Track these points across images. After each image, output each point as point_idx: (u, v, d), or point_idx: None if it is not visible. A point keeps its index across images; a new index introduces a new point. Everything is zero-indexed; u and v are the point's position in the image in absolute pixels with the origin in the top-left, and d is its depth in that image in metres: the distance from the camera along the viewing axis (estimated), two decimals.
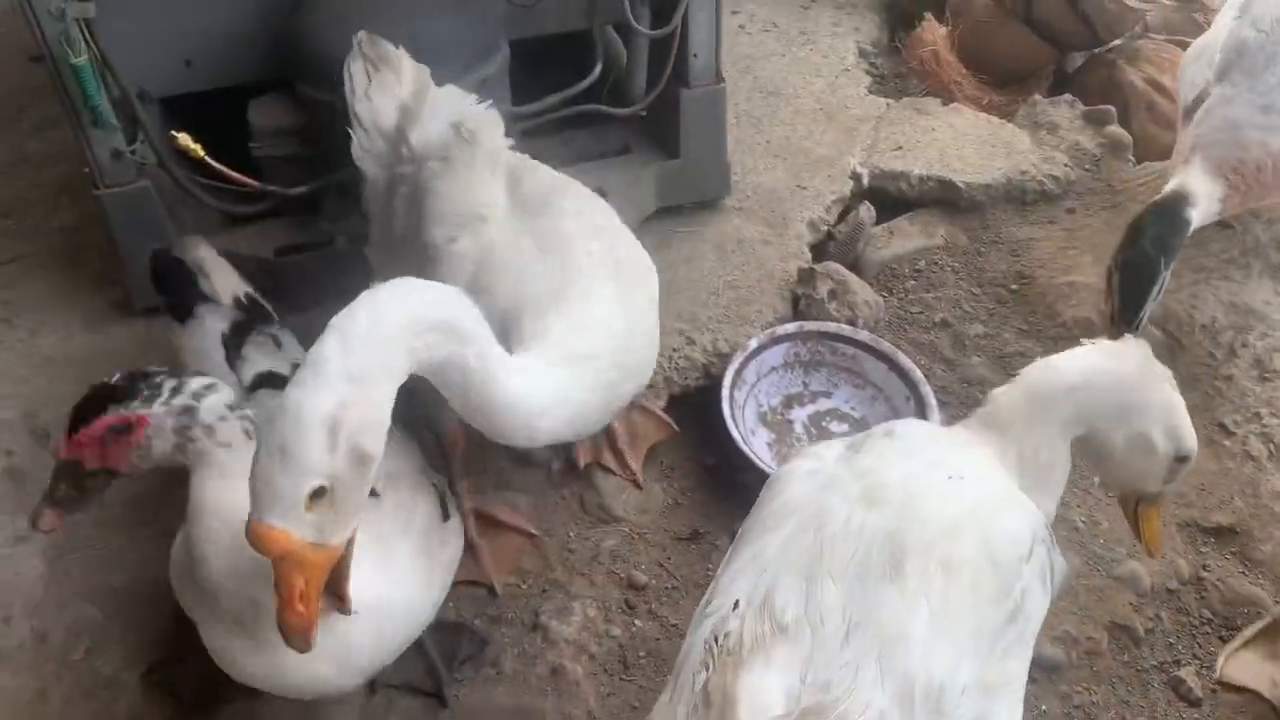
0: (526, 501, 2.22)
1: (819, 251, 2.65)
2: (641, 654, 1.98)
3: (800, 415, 2.32)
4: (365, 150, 1.85)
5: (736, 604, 1.27)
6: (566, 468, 2.23)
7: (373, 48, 1.88)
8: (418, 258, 1.73)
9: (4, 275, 2.60)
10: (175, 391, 1.42)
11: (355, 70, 1.87)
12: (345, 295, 1.31)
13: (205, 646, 1.54)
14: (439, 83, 2.05)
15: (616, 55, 2.76)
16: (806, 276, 2.43)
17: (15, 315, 2.48)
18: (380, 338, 1.26)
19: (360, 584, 1.44)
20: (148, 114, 2.23)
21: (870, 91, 3.15)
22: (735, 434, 2.15)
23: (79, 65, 2.05)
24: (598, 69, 2.48)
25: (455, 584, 2.01)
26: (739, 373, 2.25)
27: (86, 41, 2.05)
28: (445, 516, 1.76)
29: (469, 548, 2.10)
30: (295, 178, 2.34)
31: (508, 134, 1.82)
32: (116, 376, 1.44)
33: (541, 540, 2.15)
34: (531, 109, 2.42)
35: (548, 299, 1.62)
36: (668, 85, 2.47)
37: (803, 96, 3.10)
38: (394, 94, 1.83)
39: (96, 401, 1.42)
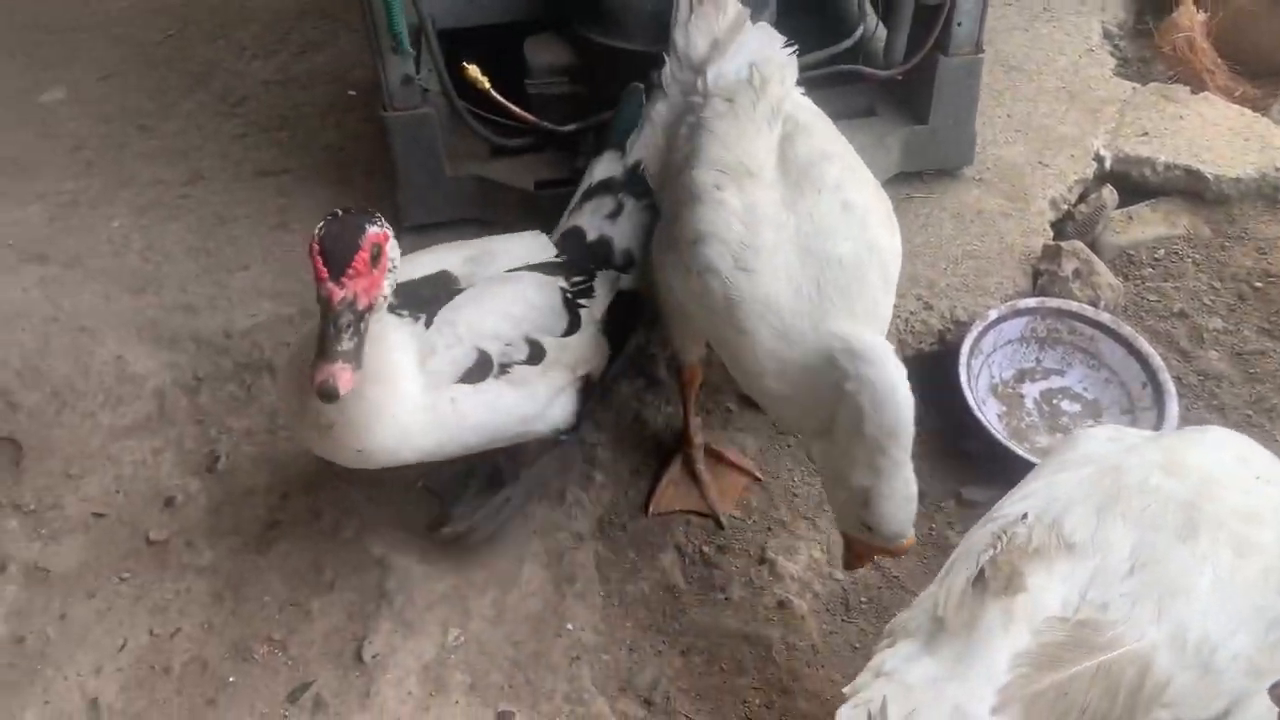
0: (753, 444, 2.31)
1: (1057, 231, 2.64)
2: (863, 599, 2.06)
3: (1032, 391, 2.34)
4: (672, 77, 1.96)
5: (1025, 516, 1.34)
6: None
7: None
8: (684, 192, 1.82)
9: (280, 184, 2.82)
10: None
11: (680, 3, 1.98)
12: None
13: None
14: None
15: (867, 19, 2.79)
16: (1051, 253, 2.43)
17: (292, 220, 2.69)
18: None
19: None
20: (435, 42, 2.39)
21: (1115, 74, 3.09)
22: (970, 400, 2.18)
23: None
24: (860, 29, 2.52)
25: (680, 511, 2.16)
26: (977, 342, 2.28)
27: None
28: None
29: (696, 479, 2.22)
30: (563, 115, 2.46)
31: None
32: (334, 215, 1.51)
33: (766, 483, 2.24)
34: (814, 58, 2.47)
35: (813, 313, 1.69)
36: (927, 51, 2.50)
37: (1045, 74, 3.06)
38: (711, 27, 1.93)
39: (352, 226, 1.47)
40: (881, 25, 2.60)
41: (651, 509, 2.17)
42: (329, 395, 1.46)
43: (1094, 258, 2.42)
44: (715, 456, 2.26)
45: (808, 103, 1.96)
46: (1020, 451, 2.13)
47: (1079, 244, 2.44)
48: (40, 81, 3.28)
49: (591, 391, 1.93)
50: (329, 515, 2.12)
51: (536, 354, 1.82)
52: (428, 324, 1.73)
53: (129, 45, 3.46)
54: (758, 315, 1.69)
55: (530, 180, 2.51)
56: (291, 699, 1.86)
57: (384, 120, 2.43)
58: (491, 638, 1.95)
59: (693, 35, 1.95)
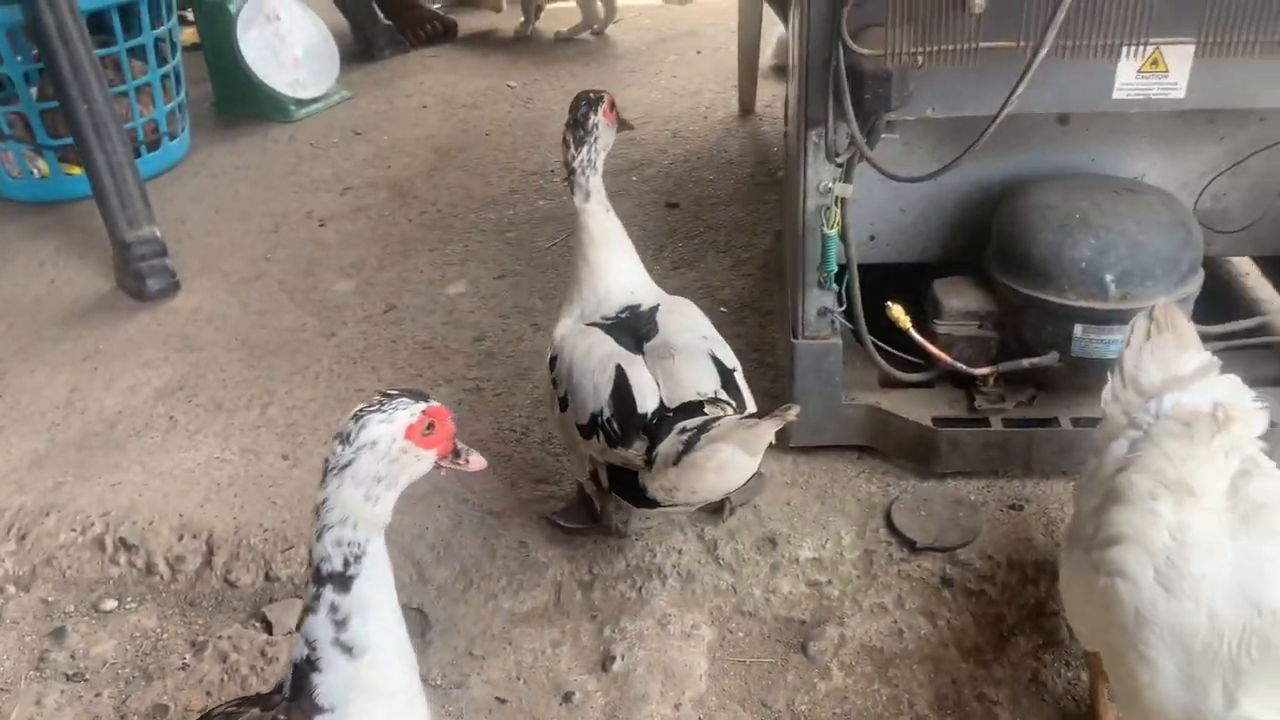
0: None
1: None
2: None
3: None
4: (1114, 396, 1.91)
5: None
6: None
7: (1166, 313, 1.94)
8: (1108, 489, 1.75)
9: None
10: None
11: (1137, 326, 1.95)
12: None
13: None
14: (1149, 295, 2.14)
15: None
16: None
17: None
18: None
19: None
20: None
21: None
22: None
23: (828, 235, 2.34)
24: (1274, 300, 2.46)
25: None
26: None
27: (838, 217, 2.34)
28: None
29: None
30: (968, 356, 2.49)
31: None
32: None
33: None
34: (1220, 330, 2.43)
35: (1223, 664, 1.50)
36: None
37: None
38: (1167, 363, 1.87)
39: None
40: None
41: None
42: None
43: None
44: None
45: (1270, 463, 1.78)
46: None
47: None
48: (447, 275, 3.65)
49: None
50: None
51: None
52: None
53: (520, 248, 3.81)
54: (1166, 645, 1.54)
55: (927, 415, 2.53)
56: None
57: (793, 347, 2.54)
58: None
59: (1145, 362, 1.89)
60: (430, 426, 1.49)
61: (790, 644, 2.27)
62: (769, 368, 3.01)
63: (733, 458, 1.97)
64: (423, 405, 1.48)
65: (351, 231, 4.03)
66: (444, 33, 6.14)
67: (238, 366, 3.22)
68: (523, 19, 6.19)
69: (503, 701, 2.20)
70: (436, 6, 6.54)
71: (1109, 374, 1.97)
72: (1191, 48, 2.08)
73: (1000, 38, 2.03)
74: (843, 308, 2.45)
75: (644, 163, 4.48)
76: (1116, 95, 2.16)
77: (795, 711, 2.14)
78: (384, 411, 1.46)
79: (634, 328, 2.28)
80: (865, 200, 2.53)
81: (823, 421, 2.61)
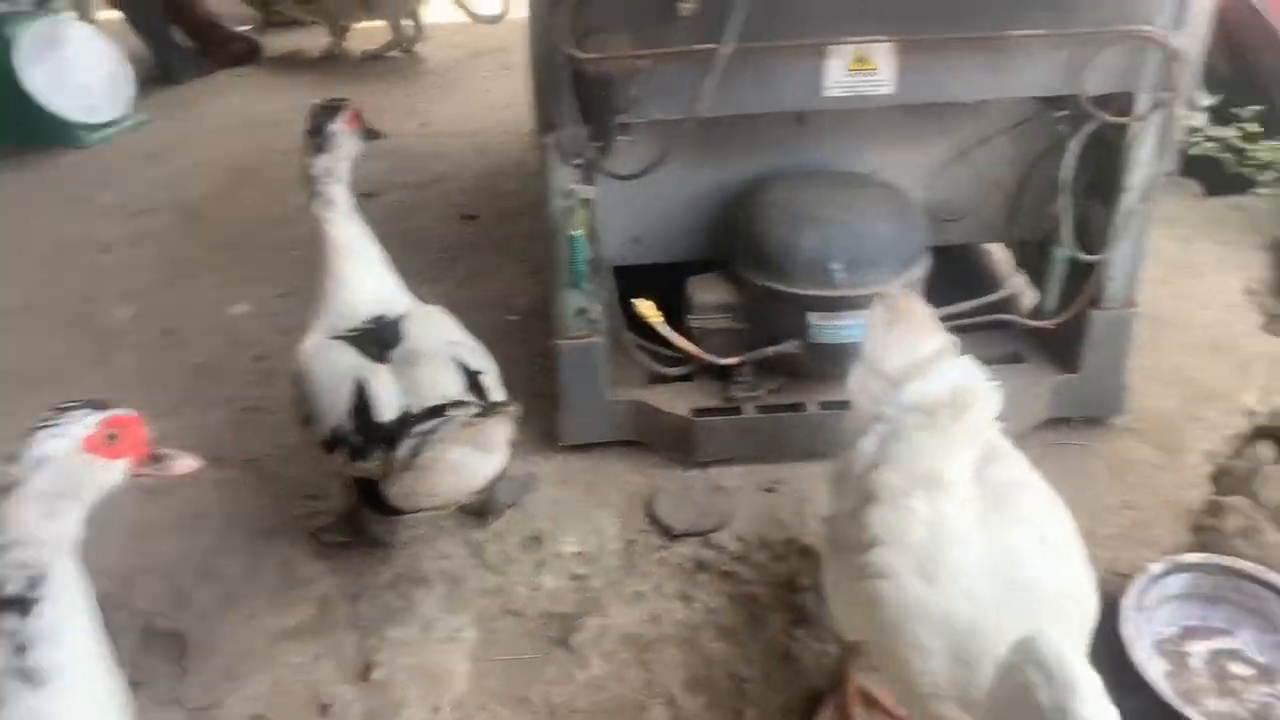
0: None
1: (1214, 485, 2.60)
2: None
3: (1199, 650, 2.25)
4: (861, 386, 1.93)
5: None
6: None
7: (901, 301, 2.00)
8: (862, 490, 1.77)
9: None
10: None
11: (875, 313, 1.99)
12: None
13: None
14: (874, 281, 2.25)
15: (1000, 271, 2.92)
16: (1214, 509, 2.39)
17: None
18: None
19: None
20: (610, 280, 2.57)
21: (1262, 330, 3.11)
22: (1136, 658, 2.11)
23: (575, 236, 2.40)
24: (1012, 283, 2.63)
25: None
26: (1140, 597, 2.22)
27: (585, 218, 2.40)
28: None
29: None
30: (721, 348, 2.59)
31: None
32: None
33: None
34: (946, 311, 2.58)
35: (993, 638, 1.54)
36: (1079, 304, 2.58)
37: (1190, 327, 3.11)
38: (908, 348, 1.91)
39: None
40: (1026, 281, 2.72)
41: None
42: None
43: (1260, 516, 2.37)
44: (869, 701, 2.21)
45: (1007, 443, 1.88)
46: (1194, 716, 2.03)
47: (1244, 500, 2.41)
48: (230, 296, 3.58)
49: None
50: None
51: None
52: None
53: (307, 265, 3.74)
54: (934, 632, 1.59)
55: (687, 407, 2.62)
56: None
57: (554, 347, 2.59)
58: None
59: (886, 349, 1.92)
60: (112, 436, 1.45)
61: (553, 638, 2.30)
62: (553, 372, 3.04)
63: (465, 458, 2.00)
64: (101, 415, 1.44)
65: (135, 257, 3.91)
66: (249, 54, 6.03)
67: None
68: (329, 38, 6.13)
69: (259, 718, 2.17)
70: (247, 29, 6.41)
71: (853, 364, 1.98)
72: (893, 46, 2.21)
73: (712, 40, 2.12)
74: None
75: (445, 176, 4.49)
76: (830, 93, 2.28)
77: (552, 704, 2.17)
78: (56, 426, 1.42)
79: (380, 337, 2.29)
80: (628, 203, 2.60)
81: (590, 419, 2.66)
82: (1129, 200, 2.41)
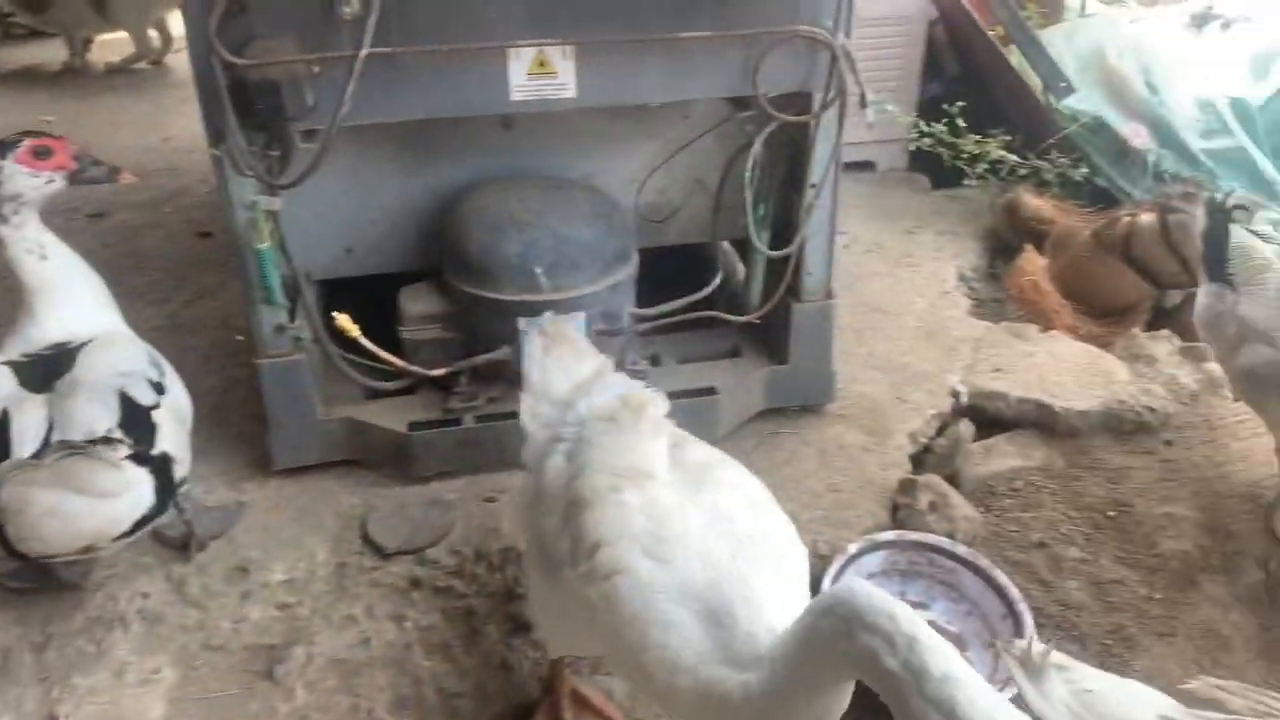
0: (621, 688, 2.27)
1: (917, 463, 2.74)
2: None
3: None
4: (532, 414, 1.95)
5: None
6: None
7: (556, 328, 2.04)
8: (571, 505, 1.73)
9: None
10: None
11: (532, 342, 2.01)
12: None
13: None
14: (579, 284, 2.26)
15: (732, 267, 2.99)
16: (907, 487, 2.51)
17: None
18: None
19: None
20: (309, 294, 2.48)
21: (970, 314, 3.30)
22: None
23: (262, 250, 2.31)
24: (717, 279, 2.69)
25: None
26: (838, 576, 2.31)
27: (271, 231, 2.31)
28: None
29: None
30: (435, 360, 2.54)
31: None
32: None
33: None
34: (655, 311, 2.62)
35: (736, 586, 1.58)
36: (781, 297, 2.66)
37: (905, 314, 3.26)
38: (570, 371, 1.96)
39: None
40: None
41: None
42: None
43: (950, 490, 2.50)
44: (581, 702, 2.20)
45: (684, 432, 1.90)
46: None
47: (934, 477, 2.53)
48: None
49: None
50: None
51: None
52: None
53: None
54: (677, 602, 1.58)
55: (404, 422, 2.56)
56: None
57: (257, 366, 2.48)
58: None
59: (551, 374, 1.96)
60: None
61: (257, 671, 2.20)
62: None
63: (64, 502, 1.89)
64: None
65: None
66: None
67: None
68: (69, 52, 5.77)
69: None
70: None
71: (520, 393, 1.99)
72: (569, 49, 2.22)
73: (380, 44, 2.08)
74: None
75: (184, 192, 4.29)
76: (515, 97, 2.27)
77: None
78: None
79: (51, 366, 2.14)
80: (335, 212, 2.53)
81: (301, 440, 2.57)
82: (810, 195, 2.50)
